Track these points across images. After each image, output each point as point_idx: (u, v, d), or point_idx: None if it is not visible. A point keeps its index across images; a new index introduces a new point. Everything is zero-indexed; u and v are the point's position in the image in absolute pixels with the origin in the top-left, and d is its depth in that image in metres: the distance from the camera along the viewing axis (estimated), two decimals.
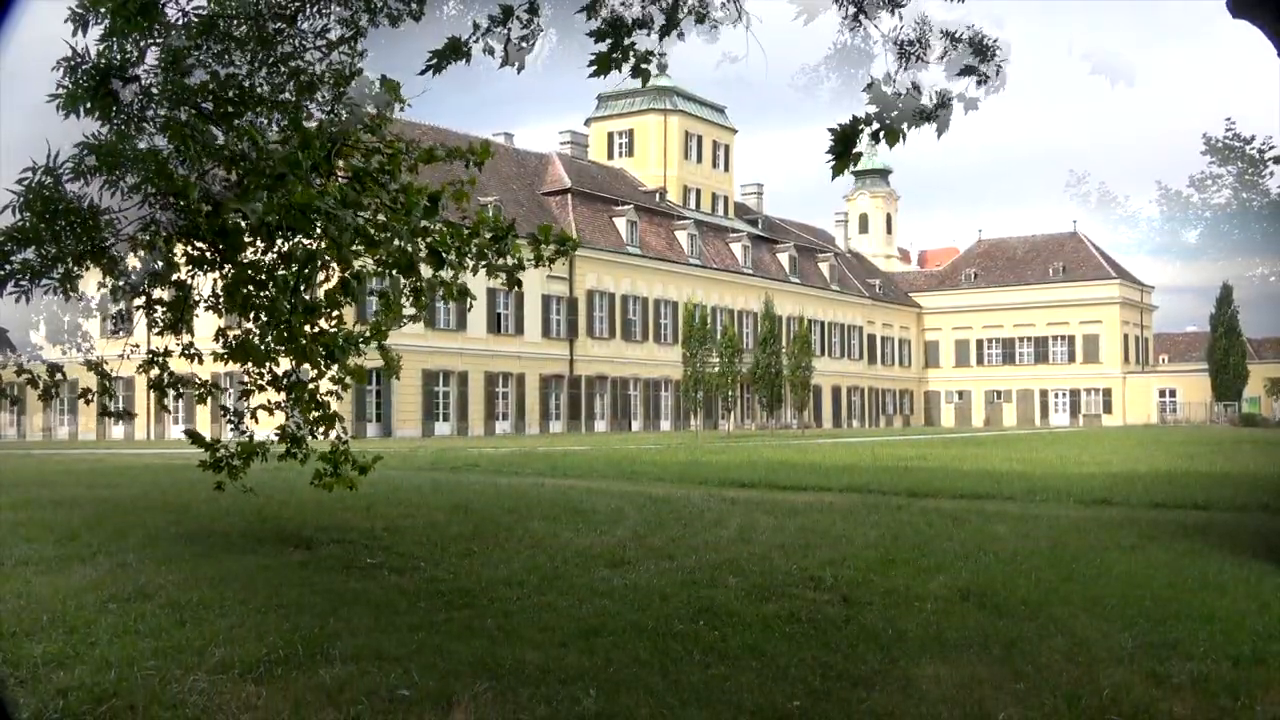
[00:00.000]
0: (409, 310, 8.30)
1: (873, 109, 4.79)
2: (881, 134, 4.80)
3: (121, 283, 6.58)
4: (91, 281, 6.69)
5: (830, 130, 4.79)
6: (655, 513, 11.61)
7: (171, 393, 8.40)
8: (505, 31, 5.57)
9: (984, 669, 5.05)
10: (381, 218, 7.29)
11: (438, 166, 8.08)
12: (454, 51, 5.60)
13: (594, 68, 5.46)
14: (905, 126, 4.77)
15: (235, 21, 6.27)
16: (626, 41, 5.36)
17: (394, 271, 7.54)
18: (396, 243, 7.00)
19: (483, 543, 9.09)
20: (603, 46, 5.40)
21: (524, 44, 5.53)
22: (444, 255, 7.24)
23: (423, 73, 5.63)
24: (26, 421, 48.40)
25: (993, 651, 5.37)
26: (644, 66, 5.46)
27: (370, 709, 4.36)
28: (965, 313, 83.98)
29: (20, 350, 6.73)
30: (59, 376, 7.22)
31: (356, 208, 6.90)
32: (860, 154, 4.89)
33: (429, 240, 7.32)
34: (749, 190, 78.02)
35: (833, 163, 4.87)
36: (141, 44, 6.14)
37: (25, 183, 5.72)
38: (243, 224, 6.71)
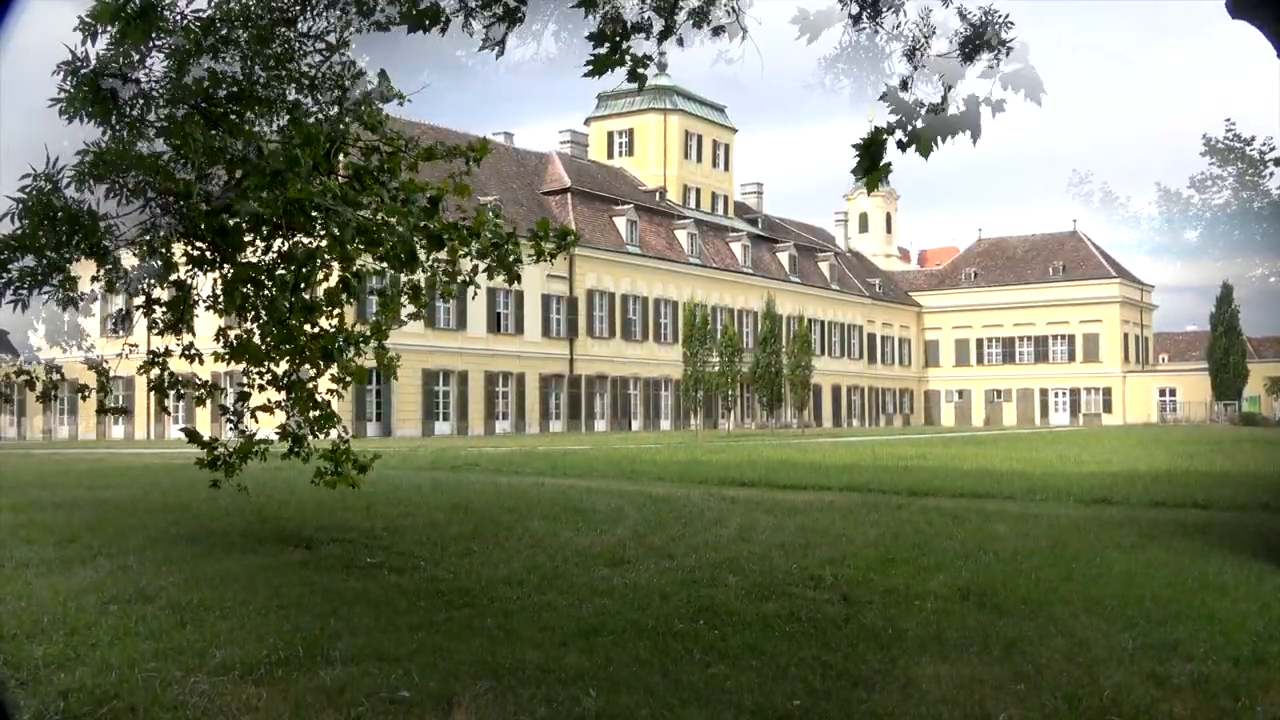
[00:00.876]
0: (408, 309, 8.31)
1: (894, 118, 4.71)
2: (913, 146, 4.71)
3: (108, 270, 6.58)
4: (87, 277, 6.69)
5: (855, 146, 4.73)
6: (655, 512, 11.61)
7: (172, 394, 8.41)
8: (491, 14, 5.55)
9: (984, 669, 5.06)
10: (382, 215, 7.29)
11: (437, 166, 8.09)
12: (433, 17, 5.59)
13: (590, 68, 5.44)
14: (939, 140, 4.67)
15: (235, 25, 6.28)
16: (624, 46, 5.34)
17: (394, 269, 7.54)
18: (400, 229, 7.00)
19: (483, 542, 9.09)
20: (601, 50, 5.38)
21: (503, 24, 5.50)
22: (445, 240, 7.25)
23: (401, 25, 5.63)
24: (26, 422, 48.41)
25: (993, 651, 5.37)
26: (640, 71, 5.44)
27: (371, 710, 4.36)
28: (965, 312, 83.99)
29: (19, 350, 6.74)
30: (57, 376, 7.22)
31: (356, 206, 6.90)
32: (890, 164, 4.78)
33: (431, 232, 7.33)
34: (749, 190, 78.02)
35: (863, 179, 4.81)
36: (144, 48, 6.14)
37: (25, 189, 5.72)
38: (242, 223, 6.71)
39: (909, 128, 4.69)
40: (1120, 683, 4.81)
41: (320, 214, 6.32)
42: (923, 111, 4.73)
